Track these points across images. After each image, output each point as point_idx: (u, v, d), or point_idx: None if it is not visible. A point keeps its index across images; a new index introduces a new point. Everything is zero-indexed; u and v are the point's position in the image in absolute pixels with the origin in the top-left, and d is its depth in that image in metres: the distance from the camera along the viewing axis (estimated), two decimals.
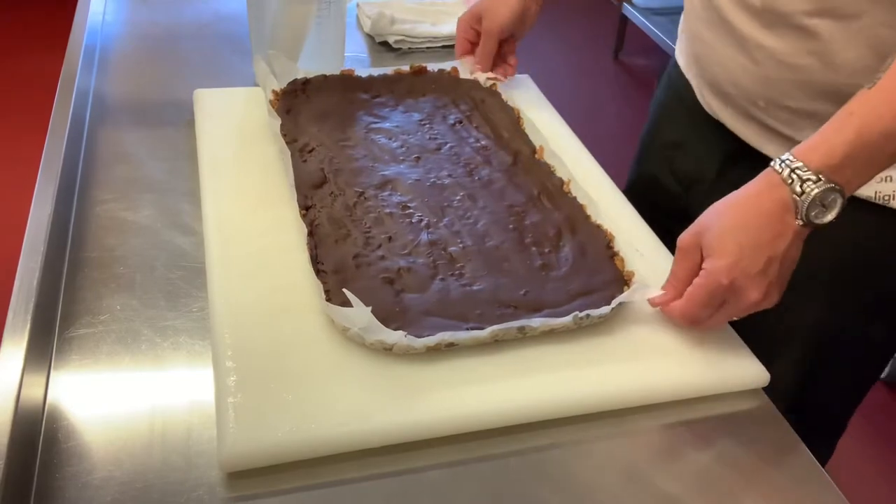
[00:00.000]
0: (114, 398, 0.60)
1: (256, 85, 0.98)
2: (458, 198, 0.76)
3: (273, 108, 0.86)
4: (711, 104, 0.87)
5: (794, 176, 0.61)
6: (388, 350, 0.61)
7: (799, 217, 0.61)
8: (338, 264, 0.67)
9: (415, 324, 0.62)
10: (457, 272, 0.68)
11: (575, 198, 0.78)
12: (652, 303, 0.67)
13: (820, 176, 0.60)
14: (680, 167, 0.94)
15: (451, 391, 0.60)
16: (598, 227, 0.74)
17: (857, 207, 0.74)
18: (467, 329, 0.62)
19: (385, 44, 1.14)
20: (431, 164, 0.81)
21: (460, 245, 0.71)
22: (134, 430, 0.57)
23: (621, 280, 0.68)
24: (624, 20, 2.96)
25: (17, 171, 1.80)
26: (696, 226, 0.65)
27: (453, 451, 0.58)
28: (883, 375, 1.77)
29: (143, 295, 0.68)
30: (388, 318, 0.62)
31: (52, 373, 0.61)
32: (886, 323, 0.84)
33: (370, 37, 1.15)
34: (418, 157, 0.81)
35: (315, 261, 0.67)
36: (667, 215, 0.87)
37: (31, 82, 2.53)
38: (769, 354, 0.69)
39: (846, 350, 0.86)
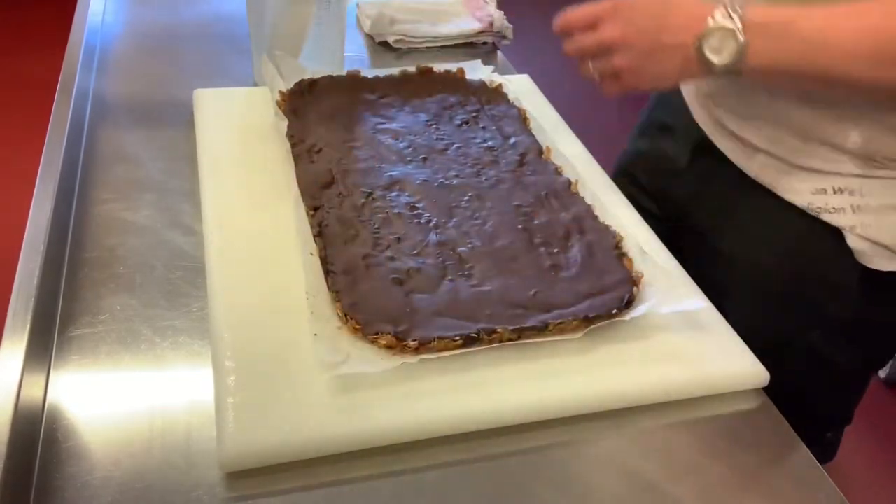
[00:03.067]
0: (113, 398, 0.60)
1: (256, 85, 0.98)
2: (466, 198, 0.76)
3: (280, 108, 0.86)
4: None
5: (731, 4, 0.63)
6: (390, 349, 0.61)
7: (699, 37, 0.64)
8: (347, 265, 0.67)
9: (424, 325, 0.62)
10: (466, 273, 0.68)
11: (583, 198, 0.78)
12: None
13: (746, 24, 0.63)
14: (665, 149, 0.94)
15: (451, 391, 0.60)
16: (607, 227, 0.74)
17: (793, 215, 0.76)
18: (477, 330, 0.62)
19: (385, 44, 1.14)
20: (439, 165, 0.81)
21: (469, 245, 0.71)
22: (134, 430, 0.57)
23: (630, 281, 0.68)
24: None
25: (17, 170, 1.80)
26: None
27: (453, 451, 0.58)
28: (883, 375, 1.77)
29: (143, 295, 0.68)
30: (397, 318, 0.62)
31: (52, 373, 0.61)
32: (824, 335, 0.81)
33: (370, 37, 1.15)
34: (426, 158, 0.81)
35: (324, 262, 0.67)
36: (644, 192, 0.95)
37: (31, 82, 2.53)
38: None
39: (795, 358, 0.82)
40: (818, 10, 0.63)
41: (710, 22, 0.63)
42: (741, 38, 0.63)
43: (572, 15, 0.71)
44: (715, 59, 0.64)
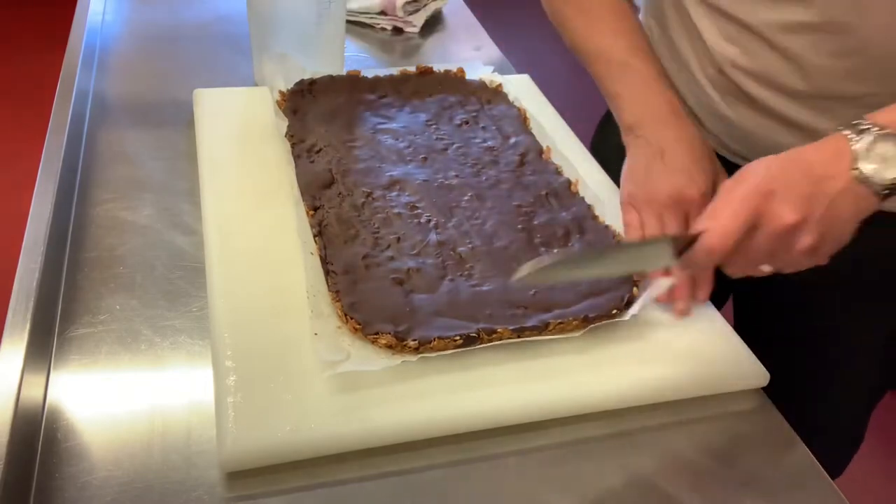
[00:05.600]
0: (113, 398, 0.60)
1: (256, 85, 0.98)
2: (466, 198, 0.76)
3: (280, 108, 0.86)
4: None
5: (854, 128, 0.56)
6: (391, 348, 0.61)
7: (854, 166, 0.55)
8: (347, 265, 0.67)
9: (424, 324, 0.62)
10: (466, 272, 0.68)
11: (583, 198, 0.78)
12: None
13: (883, 127, 0.55)
14: None
15: (451, 391, 0.60)
16: (607, 227, 0.74)
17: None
18: (477, 330, 0.62)
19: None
20: (439, 165, 0.81)
21: (469, 245, 0.71)
22: (134, 430, 0.58)
23: (630, 281, 0.68)
24: None
25: (17, 170, 1.80)
26: (739, 173, 0.58)
27: (453, 451, 0.58)
28: None
29: (143, 295, 0.68)
30: (397, 318, 0.62)
31: (52, 373, 0.61)
32: None
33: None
34: (425, 158, 0.81)
35: (324, 261, 0.67)
36: None
37: (31, 82, 2.53)
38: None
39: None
40: None
41: (854, 149, 0.55)
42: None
43: (723, 221, 0.56)
44: (889, 172, 0.54)
